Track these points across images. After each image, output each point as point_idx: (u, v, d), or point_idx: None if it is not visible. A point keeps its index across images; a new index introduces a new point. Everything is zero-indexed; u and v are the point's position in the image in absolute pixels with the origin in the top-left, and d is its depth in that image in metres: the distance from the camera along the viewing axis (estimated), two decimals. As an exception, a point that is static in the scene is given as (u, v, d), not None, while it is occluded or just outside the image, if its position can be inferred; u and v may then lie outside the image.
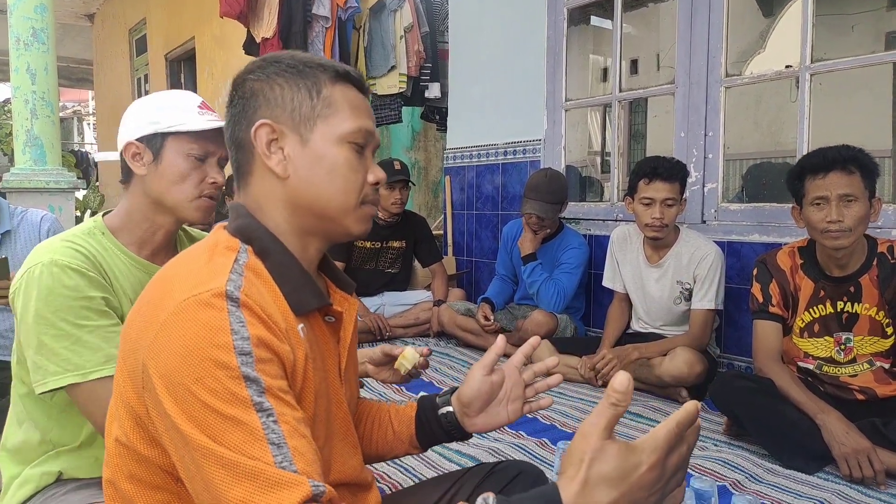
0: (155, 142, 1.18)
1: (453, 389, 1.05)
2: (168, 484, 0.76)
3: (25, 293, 1.10)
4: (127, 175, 1.23)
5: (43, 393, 1.08)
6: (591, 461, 0.59)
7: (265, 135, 0.84)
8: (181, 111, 1.19)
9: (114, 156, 1.34)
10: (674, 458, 0.61)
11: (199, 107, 1.22)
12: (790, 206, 2.00)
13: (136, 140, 1.18)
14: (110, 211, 1.26)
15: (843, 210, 1.79)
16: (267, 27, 4.17)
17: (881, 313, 1.88)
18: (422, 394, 2.40)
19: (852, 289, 1.90)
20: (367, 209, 0.89)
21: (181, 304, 0.71)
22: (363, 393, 1.21)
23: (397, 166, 3.53)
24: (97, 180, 9.95)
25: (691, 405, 0.61)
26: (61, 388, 1.08)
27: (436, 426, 1.04)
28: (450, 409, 1.03)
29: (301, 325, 0.81)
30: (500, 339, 1.03)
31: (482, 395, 1.00)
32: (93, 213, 7.02)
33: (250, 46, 4.40)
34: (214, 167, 1.22)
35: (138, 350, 0.73)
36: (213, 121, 1.20)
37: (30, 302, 1.08)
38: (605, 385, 2.60)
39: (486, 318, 3.22)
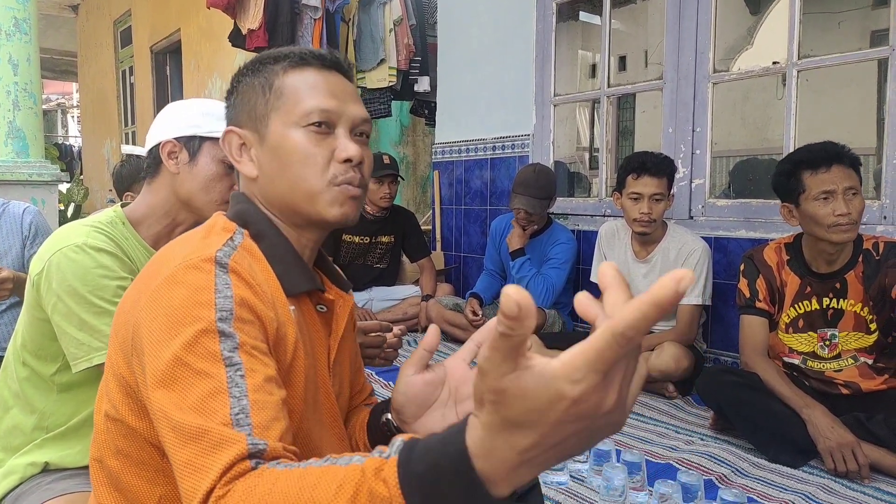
0: (193, 144, 1.25)
1: None
2: (154, 459, 0.77)
3: (59, 273, 1.13)
4: (154, 171, 1.28)
5: (85, 369, 1.13)
6: (494, 404, 0.44)
7: (233, 141, 0.87)
8: (223, 121, 1.26)
9: (140, 150, 1.38)
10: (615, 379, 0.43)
11: None
12: (777, 203, 2.00)
13: (175, 139, 1.25)
14: (128, 203, 1.31)
15: (849, 203, 1.80)
16: (253, 19, 4.13)
17: (865, 309, 1.89)
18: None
19: (838, 285, 1.91)
20: (341, 190, 0.83)
21: (172, 271, 0.73)
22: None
23: (386, 160, 3.51)
24: (81, 173, 9.83)
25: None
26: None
27: (380, 435, 0.92)
28: (388, 416, 0.90)
29: (292, 308, 0.81)
30: (432, 329, 0.85)
31: (413, 399, 0.84)
32: (77, 207, 6.93)
33: (236, 38, 4.35)
34: None
35: (129, 320, 0.74)
36: None
37: (65, 281, 1.13)
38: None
39: (475, 314, 3.22)
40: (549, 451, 0.45)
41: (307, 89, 0.84)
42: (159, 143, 1.25)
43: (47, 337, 1.18)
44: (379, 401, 1.01)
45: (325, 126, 0.83)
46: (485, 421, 0.45)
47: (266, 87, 0.85)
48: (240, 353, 0.69)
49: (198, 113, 1.27)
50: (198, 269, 0.72)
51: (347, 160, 0.83)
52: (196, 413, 0.65)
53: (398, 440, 0.54)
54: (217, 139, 1.26)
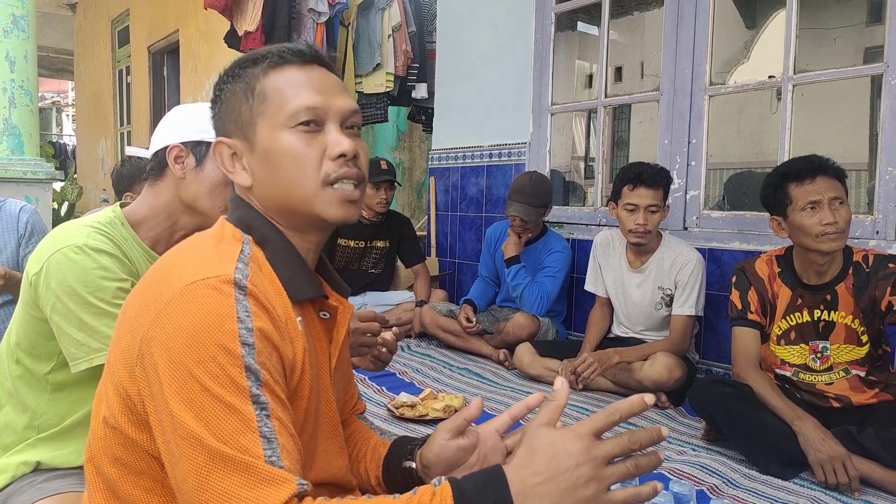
0: (200, 149, 1.24)
1: (425, 439, 0.95)
2: (152, 469, 0.76)
3: (59, 273, 1.12)
4: (157, 173, 1.28)
5: (84, 369, 1.12)
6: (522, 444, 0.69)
7: (224, 152, 0.85)
8: None
9: (144, 152, 1.38)
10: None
11: None
12: (769, 215, 2.02)
13: (182, 144, 1.24)
14: (127, 203, 1.31)
15: (835, 212, 1.82)
16: (250, 21, 4.12)
17: (856, 321, 1.90)
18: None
19: (829, 297, 1.93)
20: (339, 191, 0.81)
21: (188, 287, 0.71)
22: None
23: (383, 166, 3.52)
24: (75, 172, 9.79)
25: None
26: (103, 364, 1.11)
27: (399, 478, 0.94)
28: (412, 465, 0.93)
29: (299, 318, 0.81)
30: (477, 403, 0.90)
31: (444, 460, 0.89)
32: (71, 206, 6.90)
33: (232, 39, 4.35)
34: None
35: (136, 328, 0.73)
36: None
37: (65, 281, 1.12)
38: (585, 388, 2.61)
39: (468, 320, 3.22)
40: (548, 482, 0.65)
41: (291, 88, 0.81)
42: (166, 147, 1.25)
43: (42, 336, 1.17)
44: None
45: (313, 124, 0.81)
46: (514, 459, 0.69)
47: (248, 92, 0.83)
48: (264, 392, 0.69)
49: (206, 118, 1.26)
50: (217, 291, 0.71)
51: (341, 155, 0.81)
52: (231, 446, 0.65)
53: (442, 478, 0.68)
54: None
